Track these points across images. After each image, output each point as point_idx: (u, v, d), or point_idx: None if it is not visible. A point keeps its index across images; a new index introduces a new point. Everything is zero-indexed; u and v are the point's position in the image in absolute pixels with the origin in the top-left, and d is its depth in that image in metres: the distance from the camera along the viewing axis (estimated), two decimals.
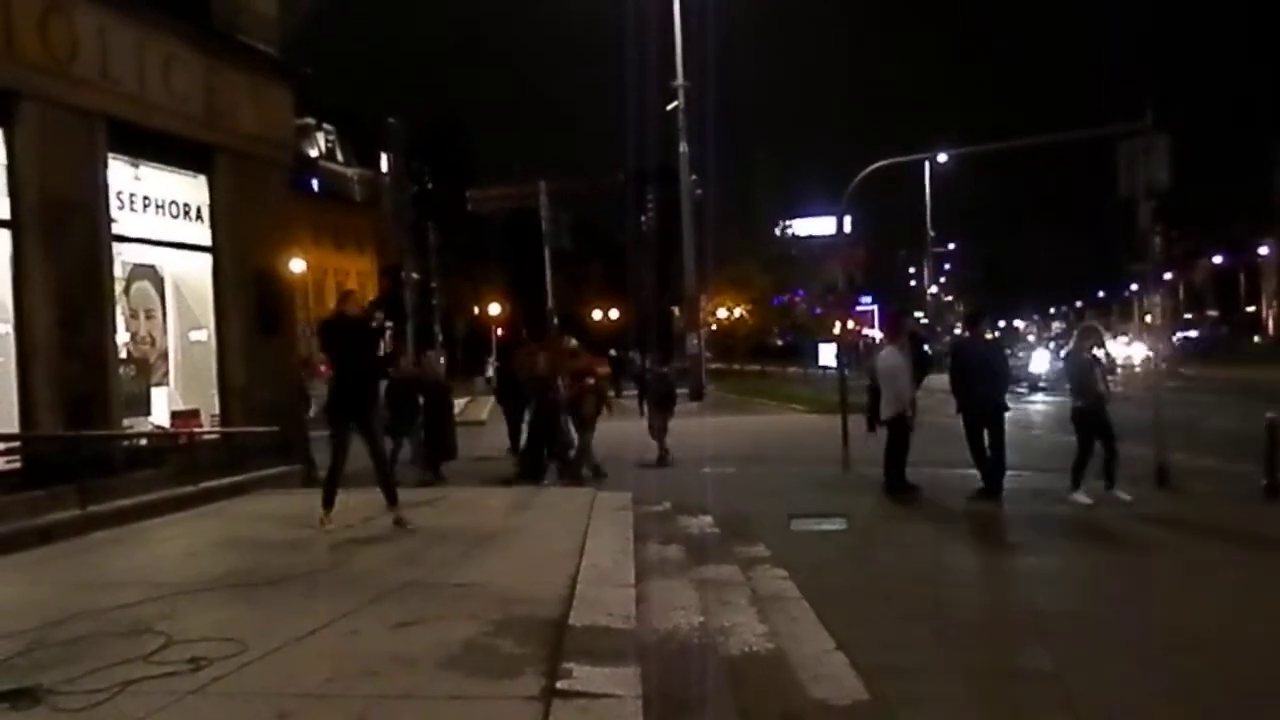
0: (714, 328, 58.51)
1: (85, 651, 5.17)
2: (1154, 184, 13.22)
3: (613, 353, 29.52)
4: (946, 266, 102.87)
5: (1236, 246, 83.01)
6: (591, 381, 14.44)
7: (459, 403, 28.30)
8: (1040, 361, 37.94)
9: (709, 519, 10.41)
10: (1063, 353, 19.44)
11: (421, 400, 14.65)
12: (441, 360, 15.56)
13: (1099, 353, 11.25)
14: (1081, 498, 10.65)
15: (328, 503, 9.07)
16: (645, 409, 17.53)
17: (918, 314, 68.85)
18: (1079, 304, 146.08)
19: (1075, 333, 12.68)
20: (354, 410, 9.31)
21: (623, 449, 15.58)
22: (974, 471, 11.53)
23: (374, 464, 9.40)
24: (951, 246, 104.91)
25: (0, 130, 9.77)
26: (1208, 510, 10.05)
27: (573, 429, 14.08)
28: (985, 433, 11.37)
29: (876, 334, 54.95)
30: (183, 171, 12.19)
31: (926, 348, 13.27)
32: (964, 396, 11.61)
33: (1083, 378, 11.03)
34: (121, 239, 11.21)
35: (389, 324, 10.84)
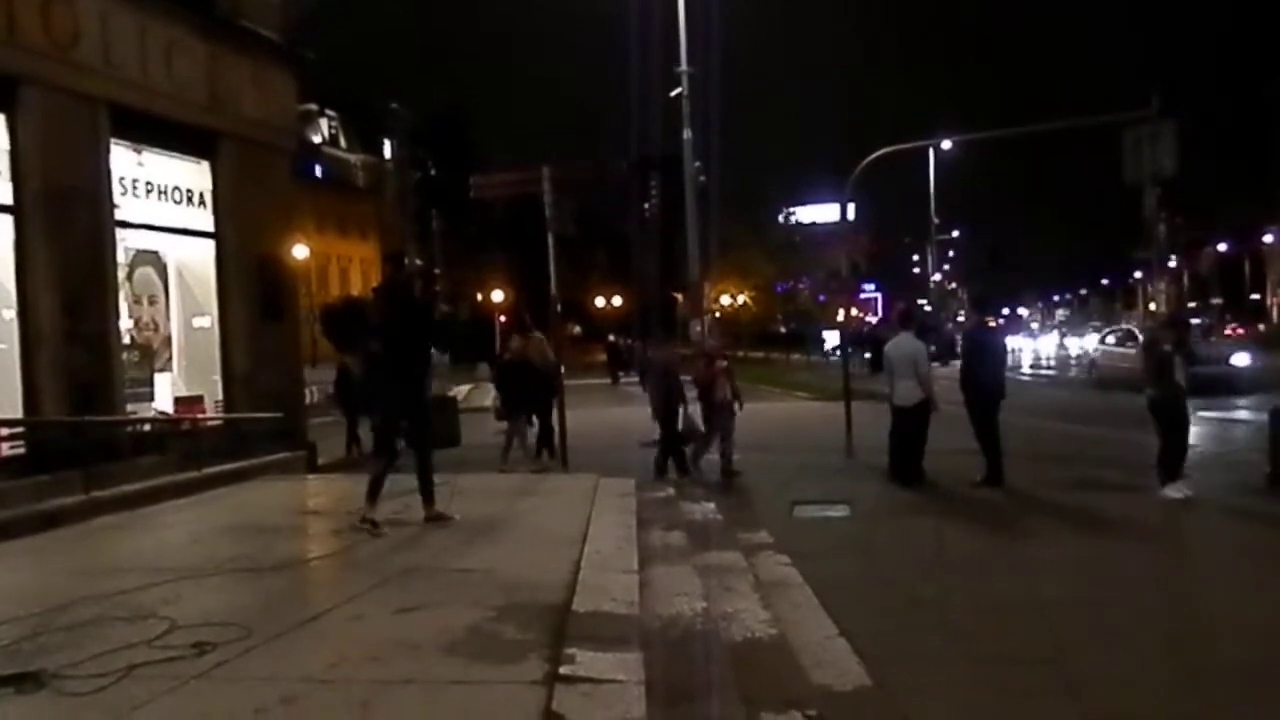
0: (718, 314, 58.46)
1: (89, 636, 5.18)
2: (1159, 171, 13.16)
3: (611, 338, 29.66)
4: (950, 254, 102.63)
5: (1241, 234, 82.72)
6: (724, 364, 13.48)
7: (461, 389, 28.37)
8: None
9: (712, 505, 10.42)
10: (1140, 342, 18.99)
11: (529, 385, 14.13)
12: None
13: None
14: (1173, 492, 10.07)
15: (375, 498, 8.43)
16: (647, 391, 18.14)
17: (920, 301, 68.80)
18: (1083, 291, 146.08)
19: (1149, 325, 12.29)
20: (407, 406, 8.63)
21: (625, 434, 15.61)
22: (962, 459, 11.54)
23: (418, 466, 8.72)
24: (955, 234, 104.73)
25: (3, 116, 9.77)
26: (1211, 498, 10.02)
27: (698, 418, 13.06)
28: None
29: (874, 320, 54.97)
30: (185, 157, 12.18)
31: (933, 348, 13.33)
32: (978, 382, 11.59)
33: (1158, 368, 10.58)
34: (124, 225, 11.22)
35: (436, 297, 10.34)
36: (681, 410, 12.90)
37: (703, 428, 12.91)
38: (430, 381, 8.86)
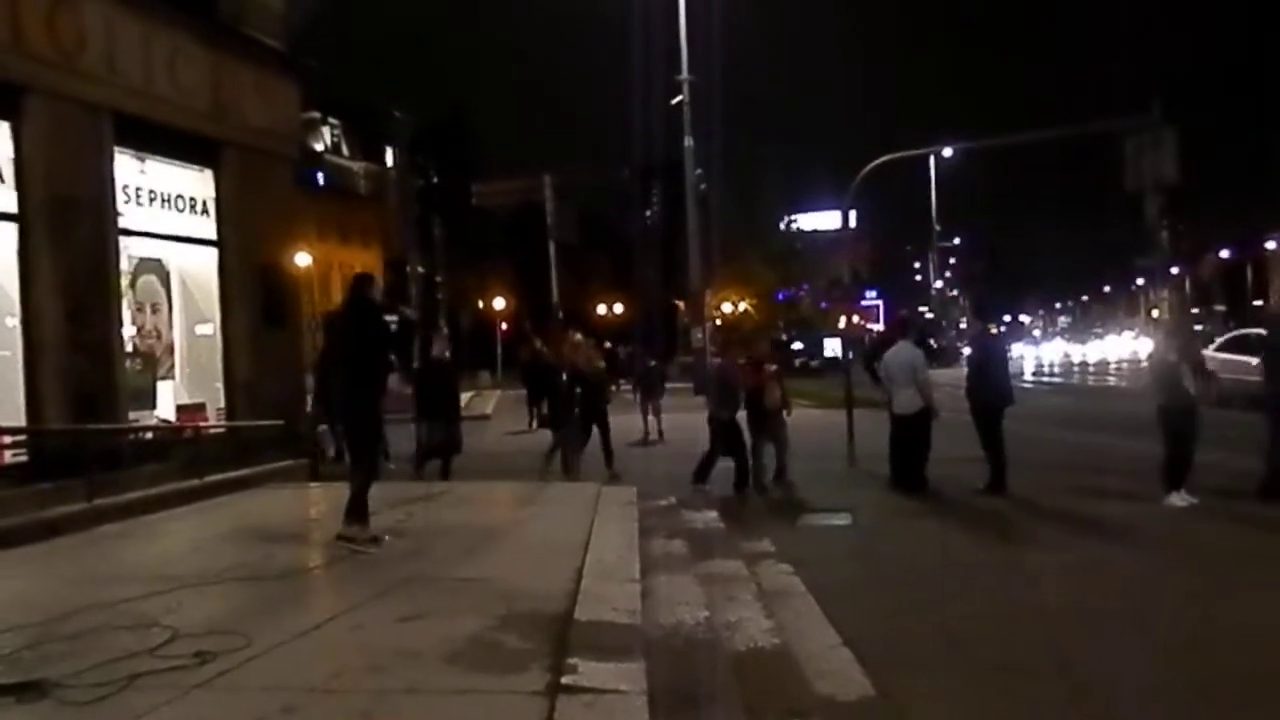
0: (718, 322, 58.45)
1: (91, 645, 5.17)
2: (1161, 178, 13.15)
3: (608, 345, 29.88)
4: (952, 261, 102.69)
5: (1244, 240, 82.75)
6: (774, 368, 12.90)
7: (463, 396, 28.40)
8: None
9: (714, 514, 10.42)
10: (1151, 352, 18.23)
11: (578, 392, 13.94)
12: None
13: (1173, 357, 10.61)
14: (1178, 500, 10.04)
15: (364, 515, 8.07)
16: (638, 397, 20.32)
17: (922, 309, 68.79)
18: (1084, 298, 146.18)
19: (1161, 331, 12.13)
20: (356, 420, 8.35)
21: (623, 441, 15.60)
22: (965, 467, 11.54)
23: (360, 480, 8.15)
24: (957, 241, 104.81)
25: (7, 124, 9.79)
26: (1214, 506, 10.00)
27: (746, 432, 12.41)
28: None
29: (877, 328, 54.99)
30: (189, 165, 12.19)
31: (932, 342, 13.34)
32: (987, 389, 11.59)
33: (1167, 377, 10.52)
34: (128, 233, 11.22)
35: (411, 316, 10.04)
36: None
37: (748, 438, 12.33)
38: (381, 396, 8.36)
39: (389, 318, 8.79)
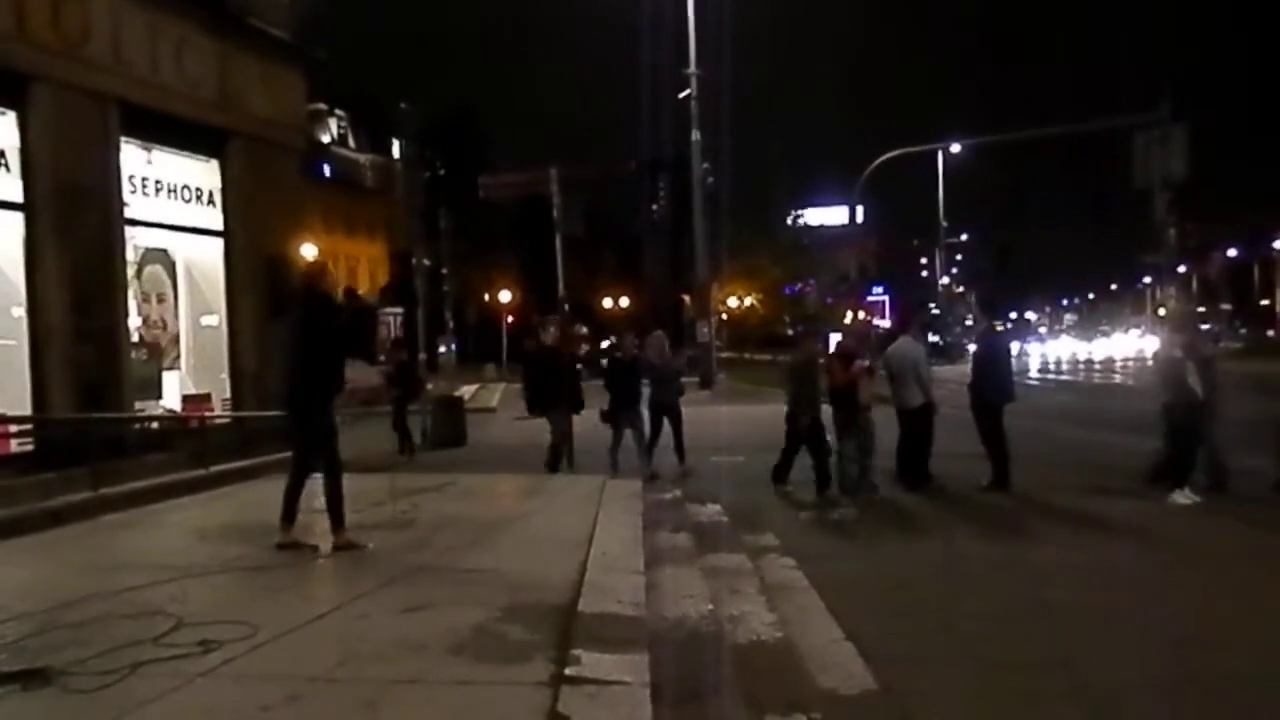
0: (725, 316, 58.42)
1: (96, 633, 5.19)
2: (1170, 176, 13.07)
3: (612, 339, 30.22)
4: (959, 257, 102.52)
5: (1251, 239, 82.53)
6: (866, 364, 11.81)
7: (468, 390, 28.44)
8: None
9: (718, 507, 10.41)
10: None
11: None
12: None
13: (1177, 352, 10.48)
14: (1181, 498, 9.99)
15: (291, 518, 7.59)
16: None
17: (930, 305, 68.68)
18: (1091, 295, 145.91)
19: (1166, 328, 11.95)
20: (309, 423, 7.69)
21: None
22: (970, 463, 11.52)
23: (329, 482, 7.63)
24: (964, 237, 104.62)
25: (14, 114, 9.81)
26: (1219, 505, 9.97)
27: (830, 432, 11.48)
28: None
29: (885, 323, 54.97)
30: (195, 155, 12.22)
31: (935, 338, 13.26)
32: (989, 386, 11.57)
33: (1172, 374, 10.44)
34: (134, 223, 11.25)
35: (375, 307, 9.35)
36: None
37: (833, 438, 11.41)
38: (337, 394, 7.83)
39: (350, 307, 8.09)
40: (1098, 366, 50.65)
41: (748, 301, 63.45)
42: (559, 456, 13.17)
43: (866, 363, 11.81)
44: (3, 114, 9.79)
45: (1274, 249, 79.56)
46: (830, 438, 11.40)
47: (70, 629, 5.29)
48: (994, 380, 11.65)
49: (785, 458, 11.90)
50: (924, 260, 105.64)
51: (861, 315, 41.15)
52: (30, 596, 6.01)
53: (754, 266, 59.86)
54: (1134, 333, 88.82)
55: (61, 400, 9.95)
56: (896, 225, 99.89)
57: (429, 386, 18.44)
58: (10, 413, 9.77)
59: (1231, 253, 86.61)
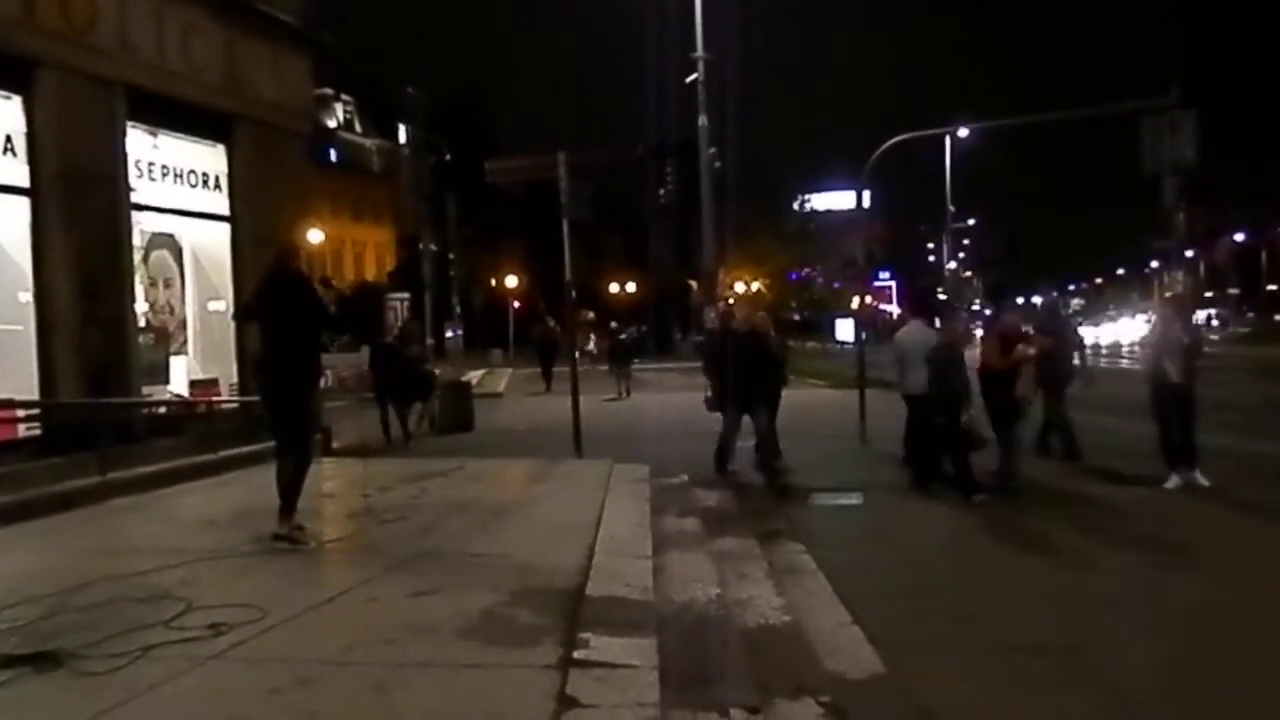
0: (731, 301, 58.33)
1: (106, 617, 5.21)
2: (1180, 161, 12.97)
3: (613, 325, 30.46)
4: (965, 242, 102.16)
5: (1259, 224, 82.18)
6: (1033, 352, 10.37)
7: (474, 375, 28.46)
8: None
9: (726, 492, 10.41)
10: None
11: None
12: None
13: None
14: (1182, 480, 9.98)
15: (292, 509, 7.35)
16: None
17: (937, 289, 68.49)
18: (1098, 280, 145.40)
19: (1166, 306, 11.86)
20: (281, 404, 7.43)
21: (633, 421, 15.59)
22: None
23: (295, 470, 7.42)
24: (971, 222, 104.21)
25: (20, 99, 9.79)
26: (1231, 490, 9.95)
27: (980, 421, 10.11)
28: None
29: (894, 309, 54.84)
30: (201, 140, 12.20)
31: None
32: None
33: (1149, 357, 10.48)
34: (140, 208, 11.25)
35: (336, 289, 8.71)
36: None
37: (986, 432, 10.14)
38: (314, 380, 7.76)
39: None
40: (1104, 351, 50.47)
41: (755, 287, 63.33)
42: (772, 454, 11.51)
43: (1033, 350, 10.41)
44: (9, 99, 9.78)
45: None
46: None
47: (80, 612, 5.31)
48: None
49: (934, 454, 10.56)
50: (931, 245, 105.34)
51: (869, 300, 41.04)
52: (40, 580, 6.03)
53: (761, 251, 59.74)
54: (1140, 317, 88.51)
55: (69, 385, 9.97)
56: (904, 210, 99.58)
57: (436, 372, 18.21)
58: (18, 398, 9.79)
59: (1239, 237, 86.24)
